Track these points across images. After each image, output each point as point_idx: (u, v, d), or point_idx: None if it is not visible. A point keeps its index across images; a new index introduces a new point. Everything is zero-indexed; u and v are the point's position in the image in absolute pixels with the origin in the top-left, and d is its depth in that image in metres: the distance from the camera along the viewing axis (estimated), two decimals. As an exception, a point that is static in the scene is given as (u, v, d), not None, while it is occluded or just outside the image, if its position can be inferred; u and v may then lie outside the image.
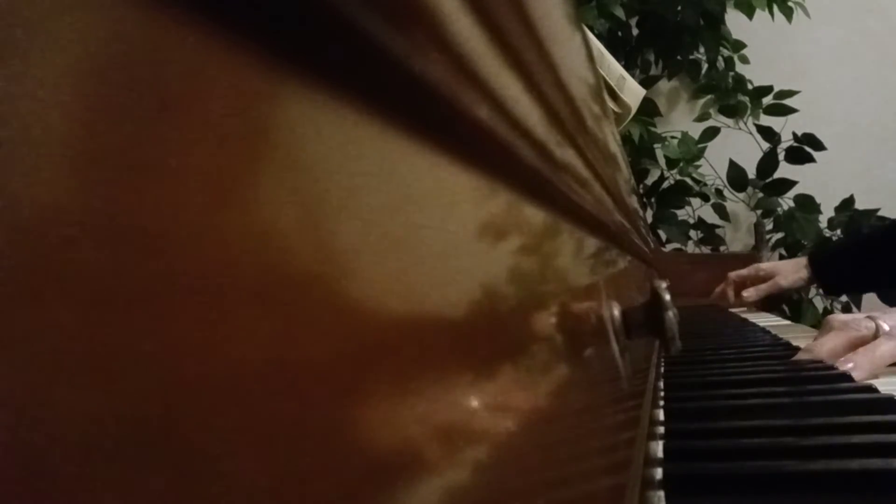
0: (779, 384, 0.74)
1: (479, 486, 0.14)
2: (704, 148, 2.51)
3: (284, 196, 0.10)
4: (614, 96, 1.12)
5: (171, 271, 0.07)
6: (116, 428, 0.06)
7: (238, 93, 0.09)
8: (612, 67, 1.14)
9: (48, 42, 0.06)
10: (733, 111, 2.56)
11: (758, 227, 2.53)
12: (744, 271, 1.77)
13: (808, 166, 2.44)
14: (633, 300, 0.54)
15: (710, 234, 2.52)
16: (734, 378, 0.79)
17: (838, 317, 0.93)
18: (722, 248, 2.55)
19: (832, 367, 0.80)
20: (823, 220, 2.46)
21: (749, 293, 1.69)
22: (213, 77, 0.09)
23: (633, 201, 0.96)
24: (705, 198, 2.51)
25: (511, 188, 0.23)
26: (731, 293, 1.77)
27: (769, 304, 1.88)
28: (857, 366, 0.82)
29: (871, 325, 0.88)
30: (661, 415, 0.61)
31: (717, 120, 2.57)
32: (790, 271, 1.67)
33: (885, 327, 0.87)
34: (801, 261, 1.68)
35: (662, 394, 0.70)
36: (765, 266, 1.75)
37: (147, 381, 0.07)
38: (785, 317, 1.60)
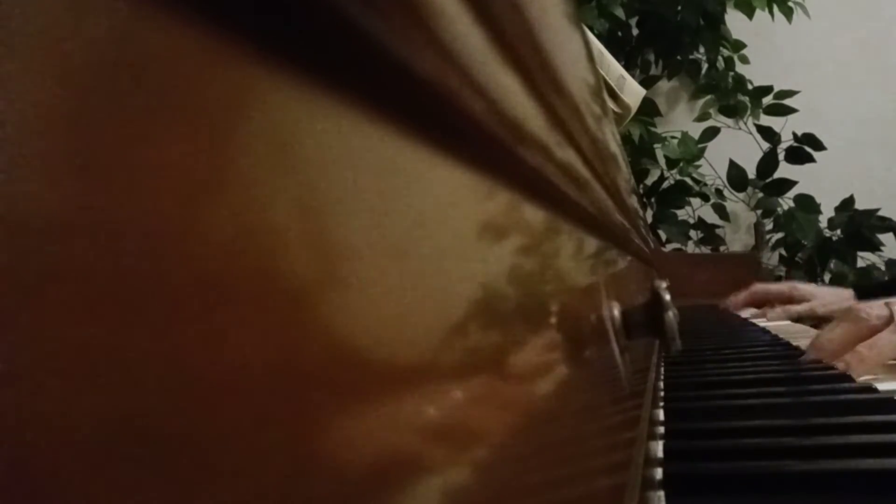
0: (779, 384, 0.74)
1: (479, 487, 0.14)
2: (704, 148, 2.51)
3: (283, 196, 0.10)
4: (614, 96, 1.12)
5: (171, 272, 0.07)
6: (115, 428, 0.06)
7: (238, 93, 0.09)
8: (612, 67, 1.14)
9: (48, 41, 0.06)
10: (733, 111, 2.56)
11: (758, 227, 2.53)
12: (774, 287, 1.61)
13: (808, 166, 2.44)
14: (633, 300, 0.54)
15: (710, 234, 2.52)
16: (734, 378, 0.78)
17: (855, 306, 0.84)
18: (722, 248, 2.55)
19: (832, 367, 0.79)
20: (823, 220, 2.46)
21: (777, 313, 1.48)
22: (212, 77, 0.09)
23: (633, 201, 0.96)
24: (705, 198, 2.51)
25: (511, 188, 0.23)
26: (740, 301, 1.60)
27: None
28: (849, 366, 0.76)
29: (885, 312, 0.79)
30: (661, 415, 0.61)
31: (717, 120, 2.57)
32: (830, 301, 1.48)
33: None
34: (845, 293, 1.51)
35: (662, 394, 0.70)
36: (802, 288, 1.55)
37: (147, 381, 0.07)
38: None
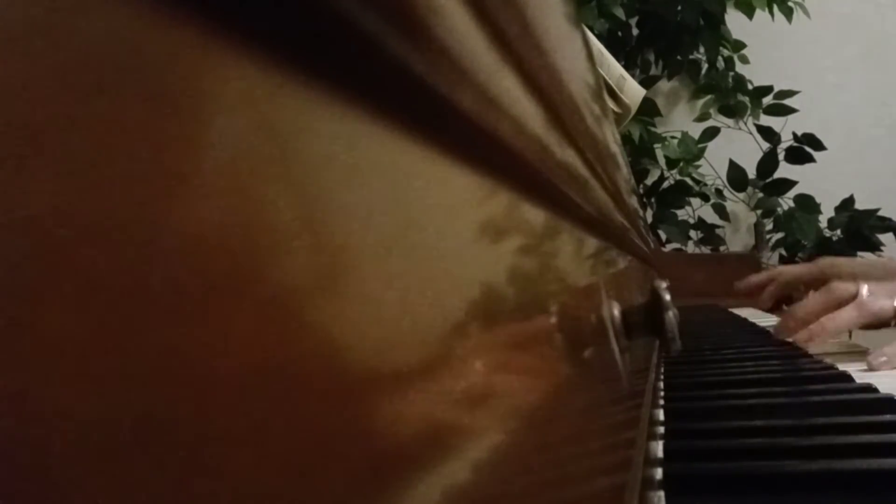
0: (779, 384, 0.74)
1: (479, 486, 0.14)
2: (704, 148, 2.50)
3: (282, 197, 0.10)
4: (614, 96, 1.12)
5: (171, 272, 0.07)
6: (114, 428, 0.06)
7: (237, 93, 0.09)
8: (612, 67, 1.14)
9: (49, 41, 0.06)
10: (733, 111, 2.56)
11: (758, 227, 2.53)
12: (800, 269, 1.16)
13: (808, 166, 2.44)
14: (633, 300, 0.54)
15: (710, 234, 2.52)
16: (734, 378, 0.79)
17: (832, 284, 0.90)
18: (722, 248, 2.55)
19: (832, 367, 0.80)
20: (823, 220, 2.46)
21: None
22: (211, 76, 0.09)
23: (633, 201, 0.96)
24: (705, 198, 2.51)
25: (511, 188, 0.23)
26: (767, 299, 1.21)
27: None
28: (812, 334, 0.85)
29: (853, 288, 0.87)
30: (661, 415, 0.61)
31: (717, 120, 2.57)
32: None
33: (864, 292, 0.86)
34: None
35: (662, 394, 0.70)
36: (840, 265, 1.06)
37: (147, 381, 0.07)
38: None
